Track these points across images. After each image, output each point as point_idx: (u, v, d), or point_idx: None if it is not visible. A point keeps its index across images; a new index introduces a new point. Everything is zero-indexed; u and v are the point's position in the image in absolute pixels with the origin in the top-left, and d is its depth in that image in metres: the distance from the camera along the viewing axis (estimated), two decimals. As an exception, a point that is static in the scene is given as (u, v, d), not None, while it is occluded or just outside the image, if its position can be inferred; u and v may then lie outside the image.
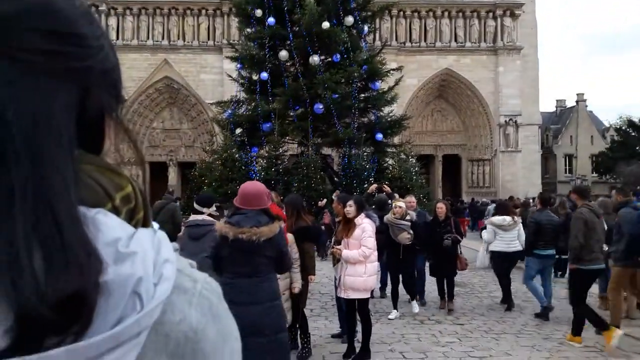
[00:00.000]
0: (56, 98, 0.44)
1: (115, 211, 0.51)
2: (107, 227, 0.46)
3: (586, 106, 55.30)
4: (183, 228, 10.39)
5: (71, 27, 0.47)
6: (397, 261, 7.71)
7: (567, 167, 52.67)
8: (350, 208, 5.45)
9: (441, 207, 8.23)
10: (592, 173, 51.26)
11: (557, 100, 59.98)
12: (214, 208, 4.60)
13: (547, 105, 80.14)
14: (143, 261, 0.46)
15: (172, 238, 10.93)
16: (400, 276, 7.91)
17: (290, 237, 4.56)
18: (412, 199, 9.22)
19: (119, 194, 0.53)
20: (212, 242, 4.34)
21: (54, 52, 0.44)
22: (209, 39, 35.01)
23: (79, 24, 0.48)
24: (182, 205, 14.14)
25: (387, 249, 7.72)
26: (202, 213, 4.51)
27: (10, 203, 0.39)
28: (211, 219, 4.43)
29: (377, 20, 30.32)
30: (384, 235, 7.31)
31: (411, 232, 7.37)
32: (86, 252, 0.42)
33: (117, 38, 34.50)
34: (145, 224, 0.56)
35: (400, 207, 7.57)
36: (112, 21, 34.52)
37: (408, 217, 7.55)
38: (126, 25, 34.70)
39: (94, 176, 0.50)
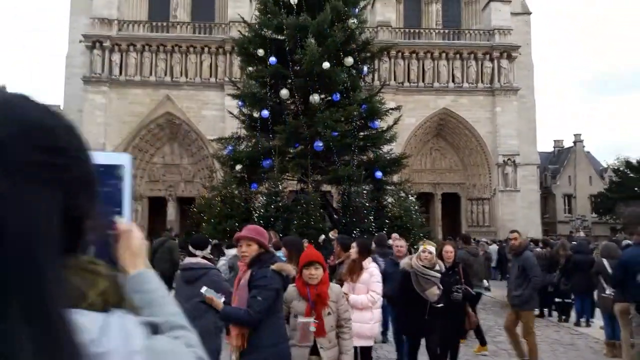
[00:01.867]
0: (46, 204, 0.49)
1: (91, 306, 0.55)
2: (83, 329, 0.49)
3: (583, 146, 55.82)
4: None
5: (60, 142, 0.53)
6: (420, 322, 5.74)
7: (567, 207, 52.68)
8: (353, 250, 5.41)
9: (449, 251, 6.66)
10: (592, 213, 51.24)
11: (554, 141, 60.61)
12: (208, 250, 4.52)
13: (545, 145, 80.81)
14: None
15: (170, 277, 10.83)
16: (424, 342, 6.07)
17: (337, 288, 4.16)
18: (401, 242, 7.73)
19: (92, 291, 0.58)
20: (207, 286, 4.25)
21: (46, 164, 0.50)
22: (211, 76, 35.56)
23: (65, 138, 0.55)
24: (180, 242, 13.99)
25: (404, 304, 5.93)
26: (196, 255, 4.42)
27: (5, 303, 0.41)
28: (205, 261, 4.34)
29: (376, 61, 30.92)
30: (397, 285, 5.91)
31: (441, 287, 5.67)
32: (72, 353, 0.45)
33: (120, 74, 35.06)
34: (120, 304, 0.62)
35: (430, 252, 5.70)
36: (116, 57, 35.13)
37: (437, 267, 5.79)
38: (129, 61, 35.28)
39: (70, 278, 0.54)
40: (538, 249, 11.53)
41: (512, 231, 7.92)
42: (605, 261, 8.02)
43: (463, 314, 6.53)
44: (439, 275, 5.69)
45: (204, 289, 3.94)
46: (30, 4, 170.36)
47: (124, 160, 1.25)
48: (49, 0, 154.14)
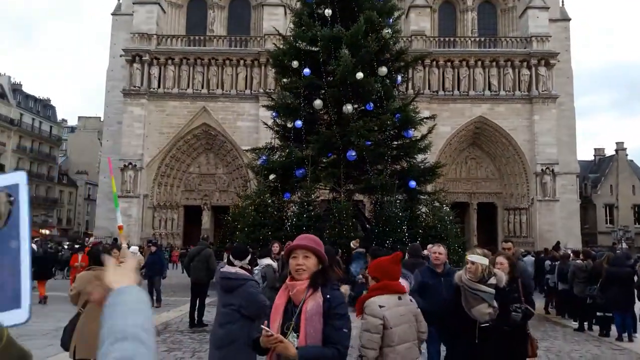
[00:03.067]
0: None
1: None
2: None
3: (626, 155, 53.94)
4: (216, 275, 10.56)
5: None
6: (469, 348, 4.61)
7: (608, 218, 50.92)
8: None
9: (502, 264, 5.43)
10: (635, 224, 49.36)
11: (595, 149, 58.83)
12: (247, 260, 4.59)
13: (585, 154, 78.38)
14: None
15: (207, 283, 11.04)
16: None
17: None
18: (440, 249, 6.41)
19: None
20: (243, 298, 4.26)
21: None
22: (246, 87, 36.18)
23: None
24: (215, 250, 14.22)
25: (453, 326, 4.86)
26: (234, 265, 4.52)
27: None
28: (243, 272, 4.42)
29: (410, 70, 30.79)
30: (445, 301, 5.07)
31: (495, 305, 4.53)
32: None
33: (159, 86, 36.06)
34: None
35: (480, 263, 4.61)
36: (155, 70, 36.19)
37: (492, 280, 4.61)
38: (168, 74, 36.27)
39: None
40: (578, 261, 11.21)
41: (506, 241, 7.86)
42: None
43: (524, 339, 5.24)
44: (492, 290, 4.53)
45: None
46: (73, 24, 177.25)
47: (18, 179, 1.21)
48: (92, 18, 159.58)
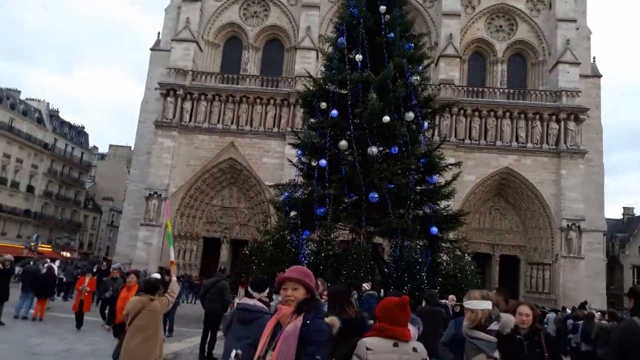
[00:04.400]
0: None
1: None
2: None
3: (657, 215, 52.46)
4: (230, 307, 10.49)
5: None
6: None
7: (636, 279, 49.13)
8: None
9: (526, 314, 4.83)
10: (666, 289, 47.40)
11: (624, 208, 57.45)
12: (265, 293, 4.54)
13: (614, 212, 76.52)
14: None
15: (220, 315, 10.97)
16: None
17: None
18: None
19: None
20: (260, 331, 4.12)
21: None
22: (274, 125, 36.82)
23: None
24: (230, 283, 14.18)
25: None
26: (253, 297, 4.45)
27: None
28: (262, 305, 4.35)
29: (438, 117, 30.95)
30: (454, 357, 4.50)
31: (496, 356, 3.89)
32: None
33: (190, 120, 36.99)
34: None
35: (478, 309, 4.04)
36: (187, 105, 37.24)
37: (494, 326, 4.01)
38: (200, 109, 37.25)
39: None
40: (604, 322, 10.78)
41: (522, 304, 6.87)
42: None
43: None
44: (492, 339, 3.82)
45: (233, 354, 3.62)
46: (113, 55, 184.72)
47: None
48: (131, 52, 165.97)
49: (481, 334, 3.92)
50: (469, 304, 4.02)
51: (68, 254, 56.04)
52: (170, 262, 6.80)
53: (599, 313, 14.38)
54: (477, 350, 3.91)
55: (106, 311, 14.05)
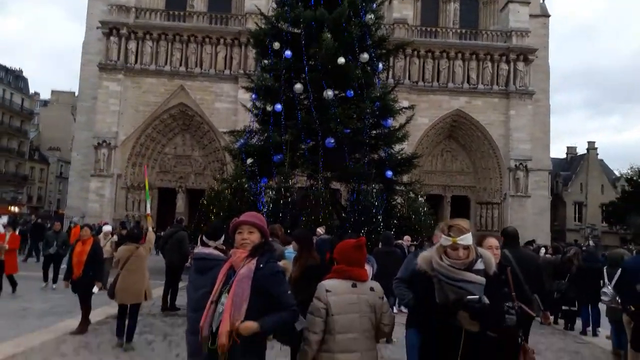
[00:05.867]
0: None
1: None
2: None
3: (597, 154, 55.25)
4: (190, 258, 10.38)
5: None
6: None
7: (577, 215, 52.23)
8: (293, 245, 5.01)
9: (496, 247, 4.28)
10: (602, 222, 50.74)
11: (567, 147, 60.23)
12: (221, 241, 4.44)
13: (558, 151, 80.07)
14: None
15: (180, 267, 10.87)
16: None
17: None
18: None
19: None
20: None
21: None
22: (225, 67, 35.59)
23: None
24: (189, 233, 14.04)
25: (424, 328, 3.36)
26: (209, 245, 4.37)
27: None
28: (218, 252, 4.28)
29: (392, 59, 30.71)
30: (414, 296, 4.01)
31: (486, 301, 3.06)
32: None
33: (136, 62, 35.19)
34: None
35: (462, 245, 3.11)
36: (132, 45, 35.27)
37: (480, 265, 3.17)
38: (145, 49, 35.39)
39: None
40: (548, 255, 11.41)
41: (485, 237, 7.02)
42: (604, 269, 8.04)
43: (516, 350, 3.83)
44: (482, 280, 3.09)
45: None
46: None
47: None
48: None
49: (471, 276, 3.07)
50: (462, 239, 3.05)
51: (16, 209, 53.91)
52: (147, 215, 8.69)
53: (543, 248, 15.22)
54: (458, 293, 3.06)
55: (50, 268, 13.24)
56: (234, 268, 3.12)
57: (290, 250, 6.26)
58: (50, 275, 13.25)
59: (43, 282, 13.16)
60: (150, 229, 8.23)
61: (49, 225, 19.22)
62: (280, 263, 3.27)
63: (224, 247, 4.38)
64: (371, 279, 3.76)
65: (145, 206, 7.96)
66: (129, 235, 7.72)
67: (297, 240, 5.59)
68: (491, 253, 3.62)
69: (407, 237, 12.44)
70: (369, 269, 4.40)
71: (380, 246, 9.30)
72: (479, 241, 4.13)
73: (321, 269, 5.00)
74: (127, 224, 27.38)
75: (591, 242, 40.50)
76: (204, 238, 4.43)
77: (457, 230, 3.08)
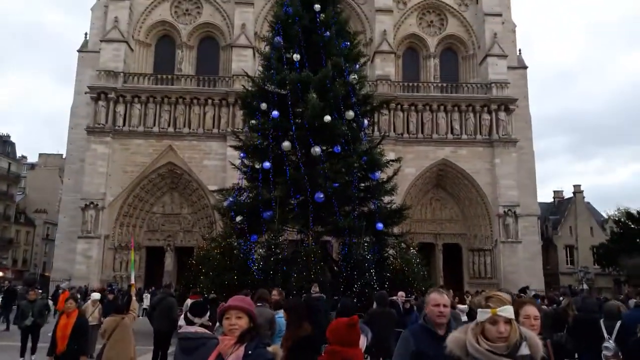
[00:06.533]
0: None
1: None
2: None
3: (583, 197, 55.88)
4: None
5: None
6: None
7: (569, 259, 52.18)
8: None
9: (534, 317, 3.69)
10: (594, 265, 50.67)
11: (554, 191, 60.89)
12: (206, 317, 4.33)
13: (545, 195, 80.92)
14: None
15: (169, 334, 10.58)
16: None
17: None
18: (444, 298, 3.84)
19: None
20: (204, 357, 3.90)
21: None
22: (213, 127, 36.02)
23: None
24: (177, 295, 13.76)
25: None
26: (194, 323, 4.24)
27: None
28: (204, 330, 4.14)
29: (376, 114, 31.42)
30: None
31: None
32: None
33: (124, 124, 35.54)
34: None
35: (503, 317, 2.53)
36: (120, 108, 35.72)
37: (525, 350, 2.52)
38: (133, 112, 35.83)
39: None
40: (544, 307, 11.28)
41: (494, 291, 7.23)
42: (602, 322, 7.94)
43: None
44: None
45: None
46: (38, 58, 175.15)
47: None
48: (58, 54, 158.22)
49: None
50: (503, 310, 2.51)
51: (0, 273, 52.64)
52: (131, 285, 9.92)
53: (538, 298, 15.08)
54: None
55: (28, 342, 12.10)
56: (222, 356, 3.01)
57: (280, 315, 6.15)
58: (29, 344, 12.24)
59: (20, 358, 12.01)
60: (133, 298, 8.87)
61: (26, 290, 18.43)
62: (270, 348, 3.14)
63: (210, 324, 4.27)
64: (367, 346, 3.69)
65: (130, 276, 8.62)
66: (116, 308, 8.33)
67: (286, 310, 5.44)
68: (529, 323, 3.31)
69: (401, 293, 12.25)
70: (363, 340, 4.23)
71: (374, 306, 9.13)
72: (515, 310, 3.07)
73: (314, 339, 4.87)
74: (115, 286, 26.74)
75: (585, 286, 40.28)
76: (188, 315, 4.32)
77: (497, 300, 2.57)
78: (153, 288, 28.77)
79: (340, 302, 5.50)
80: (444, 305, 3.63)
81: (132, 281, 9.74)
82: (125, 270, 34.62)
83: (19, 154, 67.49)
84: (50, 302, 21.90)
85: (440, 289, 3.77)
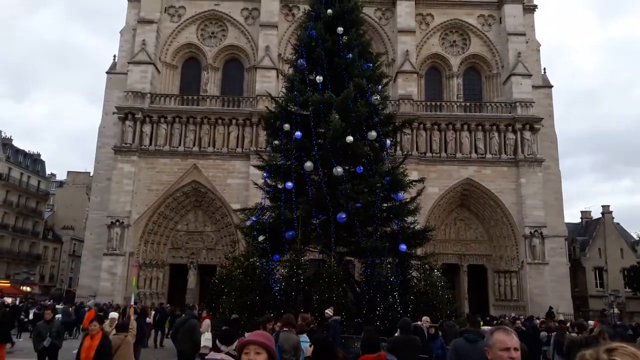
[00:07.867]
0: None
1: None
2: None
3: (612, 218, 54.47)
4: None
5: None
6: None
7: (598, 281, 50.70)
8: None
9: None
10: (625, 288, 49.10)
11: (582, 212, 59.50)
12: (233, 346, 4.35)
13: (572, 216, 79.10)
14: None
15: (191, 355, 10.58)
16: None
17: None
18: (513, 340, 3.08)
19: None
20: None
21: None
22: (237, 146, 36.48)
23: None
24: (199, 314, 13.79)
25: None
26: (220, 350, 4.27)
27: None
28: (229, 358, 4.17)
29: (399, 134, 31.37)
30: None
31: None
32: None
33: (150, 144, 36.25)
34: None
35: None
36: (147, 128, 36.49)
37: None
38: (160, 132, 36.57)
39: None
40: (573, 334, 10.95)
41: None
42: None
43: None
44: None
45: None
46: (68, 79, 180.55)
47: None
48: (88, 73, 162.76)
49: None
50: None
51: (28, 289, 53.64)
52: (130, 306, 10.96)
53: (567, 322, 14.62)
54: None
55: None
56: None
57: (305, 339, 6.12)
58: None
59: None
60: (132, 318, 10.06)
61: (40, 310, 17.60)
62: None
63: (236, 354, 4.28)
64: None
65: (130, 299, 9.73)
66: (119, 326, 9.16)
67: (317, 348, 5.30)
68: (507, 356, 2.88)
69: (425, 318, 12.02)
70: None
71: (398, 333, 8.95)
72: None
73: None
74: (140, 303, 26.94)
75: (616, 310, 39.01)
76: (217, 342, 4.36)
77: (625, 354, 1.79)
78: (160, 304, 28.56)
79: (364, 335, 5.17)
80: (515, 349, 2.99)
81: (132, 303, 10.87)
82: (150, 287, 35.01)
83: (48, 172, 69.26)
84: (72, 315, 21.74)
85: (506, 327, 3.10)
